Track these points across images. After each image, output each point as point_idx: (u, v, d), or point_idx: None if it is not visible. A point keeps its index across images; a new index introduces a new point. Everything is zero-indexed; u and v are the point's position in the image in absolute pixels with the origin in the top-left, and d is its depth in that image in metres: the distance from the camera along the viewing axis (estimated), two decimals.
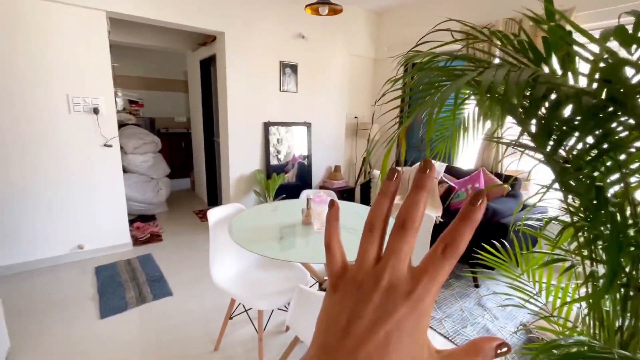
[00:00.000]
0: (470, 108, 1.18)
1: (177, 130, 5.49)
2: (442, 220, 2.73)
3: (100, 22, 2.59)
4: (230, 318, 1.81)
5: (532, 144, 0.74)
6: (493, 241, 1.37)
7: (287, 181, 3.79)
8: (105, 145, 2.76)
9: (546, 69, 0.70)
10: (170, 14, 2.82)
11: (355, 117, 4.37)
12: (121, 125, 3.91)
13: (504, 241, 1.34)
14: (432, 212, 2.84)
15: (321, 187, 4.07)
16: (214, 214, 1.78)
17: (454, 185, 3.03)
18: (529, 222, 1.36)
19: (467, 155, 3.48)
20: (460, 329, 2.05)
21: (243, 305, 2.01)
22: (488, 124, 1.13)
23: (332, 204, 0.26)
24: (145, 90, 5.43)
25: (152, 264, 2.74)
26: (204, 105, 4.17)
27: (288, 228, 1.67)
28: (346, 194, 3.99)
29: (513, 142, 0.76)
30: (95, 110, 2.66)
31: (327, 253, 0.24)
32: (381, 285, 0.20)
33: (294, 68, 3.67)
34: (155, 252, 2.98)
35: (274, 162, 3.72)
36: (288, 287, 1.65)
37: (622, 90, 0.51)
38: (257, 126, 3.56)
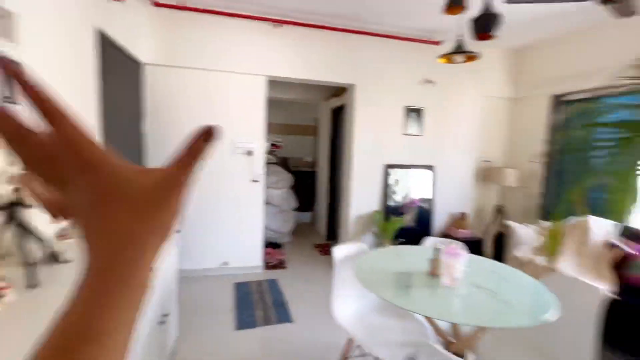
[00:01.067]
0: None
1: (304, 169, 6.17)
2: (617, 297, 2.11)
3: (261, 84, 3.28)
4: (346, 358, 1.81)
5: None
6: None
7: (404, 224, 3.68)
8: (253, 180, 3.34)
9: None
10: (311, 73, 3.34)
11: (487, 161, 3.98)
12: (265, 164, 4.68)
13: None
14: (598, 283, 2.23)
15: (444, 235, 3.77)
16: (339, 252, 1.88)
17: (632, 251, 2.33)
18: None
19: None
20: None
21: (360, 348, 1.98)
22: None
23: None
24: (283, 134, 6.40)
25: (277, 289, 3.04)
26: (331, 147, 4.59)
27: (413, 277, 1.61)
28: (472, 245, 3.56)
29: None
30: (250, 153, 3.29)
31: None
32: None
33: (418, 112, 3.69)
34: (280, 278, 3.31)
35: (389, 202, 3.70)
36: (408, 340, 1.56)
37: None
38: (378, 168, 3.67)
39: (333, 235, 4.54)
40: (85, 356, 0.19)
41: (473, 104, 3.84)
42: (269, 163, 4.86)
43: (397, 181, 3.74)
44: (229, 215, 3.32)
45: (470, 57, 1.93)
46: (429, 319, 1.59)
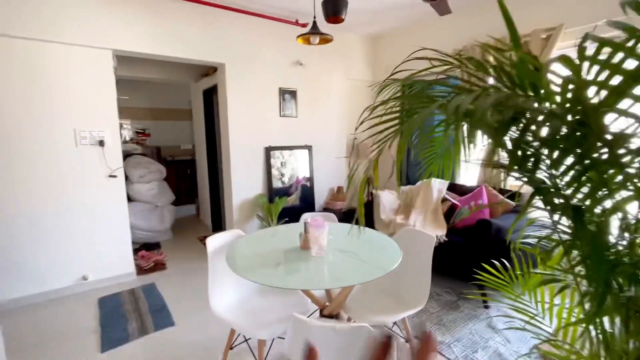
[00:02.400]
0: (458, 131, 1.19)
1: (183, 158, 5.61)
2: (446, 239, 2.69)
3: (106, 60, 2.73)
4: (231, 348, 1.77)
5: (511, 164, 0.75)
6: (493, 261, 1.34)
7: (290, 204, 3.80)
8: (110, 175, 2.83)
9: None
10: (172, 49, 2.96)
11: (355, 138, 4.42)
12: (128, 155, 4.02)
13: (504, 261, 1.31)
14: (437, 231, 2.80)
15: (324, 209, 4.06)
16: (213, 242, 1.78)
17: (457, 203, 3.00)
18: (533, 240, 1.34)
19: (470, 173, 3.47)
20: (471, 354, 1.96)
21: (243, 335, 1.97)
22: (481, 145, 1.14)
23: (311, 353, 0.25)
24: (152, 120, 5.61)
25: (155, 294, 2.73)
26: (207, 132, 4.28)
27: (286, 253, 1.66)
28: (349, 215, 3.96)
29: (493, 164, 0.77)
30: (101, 143, 2.75)
31: None
32: None
33: (293, 94, 3.77)
34: (159, 281, 2.97)
35: (278, 185, 3.75)
36: (287, 315, 1.62)
37: (584, 111, 0.52)
38: (259, 151, 3.62)
39: (219, 225, 4.33)
40: None
41: (340, 86, 4.15)
42: (133, 154, 4.21)
43: (283, 164, 3.79)
44: (81, 220, 2.74)
45: (325, 39, 2.03)
46: (304, 290, 1.68)
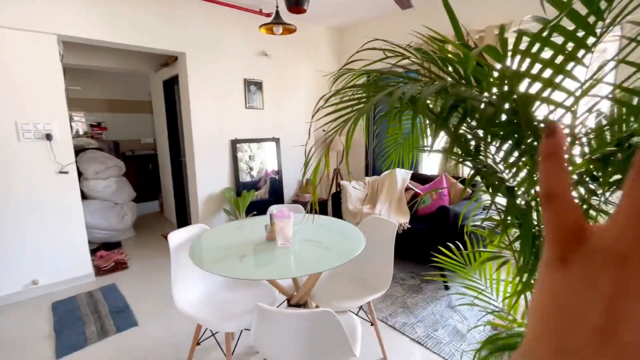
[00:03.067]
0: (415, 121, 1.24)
1: (144, 152, 5.33)
2: (409, 226, 2.81)
3: (51, 46, 2.51)
4: (198, 344, 1.75)
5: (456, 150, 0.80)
6: (448, 243, 1.42)
7: (259, 197, 3.76)
8: (60, 172, 2.63)
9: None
10: (126, 36, 2.79)
11: (324, 130, 4.44)
12: (81, 150, 3.75)
13: (458, 243, 1.40)
14: (401, 219, 2.91)
15: (293, 202, 4.07)
16: (176, 237, 1.73)
17: (419, 191, 3.13)
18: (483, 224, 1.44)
19: (432, 162, 3.62)
20: (432, 332, 2.08)
21: (210, 330, 1.95)
22: (440, 136, 1.20)
23: (552, 130, 0.18)
24: (110, 112, 5.26)
25: (116, 294, 2.60)
26: (169, 125, 4.10)
27: (252, 246, 1.66)
28: (319, 205, 4.00)
29: (436, 149, 0.81)
30: (48, 137, 2.55)
31: (551, 204, 0.17)
32: None
33: (258, 85, 3.70)
34: (120, 281, 2.84)
35: (246, 179, 3.69)
36: (255, 307, 1.62)
37: (515, 100, 0.57)
38: (224, 144, 3.54)
39: (184, 220, 4.19)
40: None
41: (307, 77, 4.14)
42: (87, 148, 3.95)
43: (251, 157, 3.72)
44: (29, 221, 2.53)
45: (288, 29, 2.01)
46: (270, 280, 1.69)
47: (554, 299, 0.15)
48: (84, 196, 3.17)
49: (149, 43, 2.91)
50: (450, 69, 0.78)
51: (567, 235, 0.16)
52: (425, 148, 0.94)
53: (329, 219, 2.05)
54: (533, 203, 0.68)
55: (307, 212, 2.08)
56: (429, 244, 2.61)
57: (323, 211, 4.14)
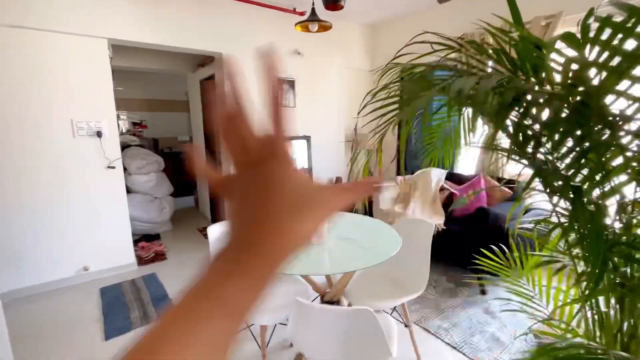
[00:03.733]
0: (459, 117, 1.20)
1: (180, 150, 5.58)
2: (444, 227, 2.72)
3: (102, 49, 2.69)
4: None
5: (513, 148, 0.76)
6: (491, 246, 1.36)
7: None
8: (108, 167, 2.82)
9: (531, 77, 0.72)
10: (168, 38, 2.92)
11: (355, 132, 4.41)
12: (125, 146, 4.00)
13: (502, 245, 1.34)
14: (435, 220, 2.83)
15: None
16: (215, 230, 1.80)
17: (455, 191, 3.02)
18: (529, 225, 1.36)
19: (467, 162, 3.48)
20: (469, 338, 2.01)
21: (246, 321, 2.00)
22: (481, 130, 1.15)
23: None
24: (149, 111, 5.56)
25: (156, 283, 2.75)
26: (205, 124, 4.26)
27: None
28: (349, 207, 3.98)
29: (495, 147, 0.77)
30: (99, 134, 2.73)
31: (232, 123, 0.25)
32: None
33: (291, 83, 3.74)
34: (159, 271, 3.00)
35: None
36: (289, 302, 1.64)
37: (586, 92, 0.53)
38: None
39: (218, 215, 4.34)
40: (204, 314, 0.20)
41: (339, 75, 4.12)
42: (130, 145, 4.19)
43: None
44: (81, 211, 2.74)
45: (324, 26, 2.01)
46: (305, 277, 1.70)
47: (239, 192, 0.24)
48: (127, 190, 3.37)
49: (189, 44, 3.04)
50: (505, 61, 0.74)
51: (238, 150, 0.25)
52: (474, 144, 0.90)
53: (365, 218, 2.03)
54: (603, 204, 0.63)
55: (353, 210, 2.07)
56: (465, 246, 2.51)
57: (350, 211, 4.11)
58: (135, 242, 3.30)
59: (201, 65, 3.98)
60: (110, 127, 2.80)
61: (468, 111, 0.91)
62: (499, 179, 2.91)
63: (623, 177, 0.74)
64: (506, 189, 2.72)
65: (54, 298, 2.55)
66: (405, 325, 1.85)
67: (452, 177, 3.27)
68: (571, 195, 0.64)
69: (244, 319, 0.22)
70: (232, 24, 3.24)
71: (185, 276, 2.91)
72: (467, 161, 3.47)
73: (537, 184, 0.87)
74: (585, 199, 0.63)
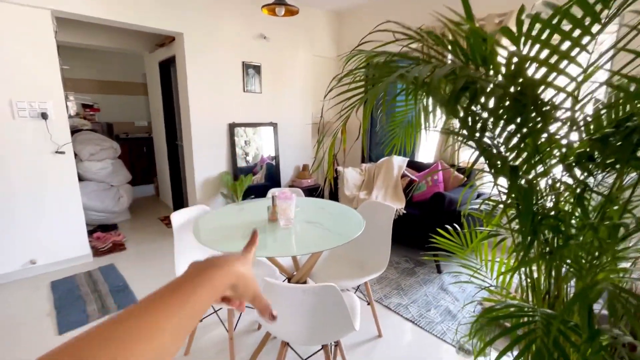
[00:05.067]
0: (417, 105, 1.27)
1: (138, 135, 5.27)
2: (405, 212, 2.87)
3: (45, 21, 2.44)
4: (200, 321, 1.80)
5: (464, 132, 0.84)
6: (447, 226, 1.48)
7: (256, 182, 3.78)
8: (57, 152, 2.61)
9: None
10: (122, 14, 2.72)
11: (322, 116, 4.44)
12: (75, 131, 3.69)
13: (455, 225, 1.46)
14: (396, 205, 2.98)
15: (290, 187, 4.10)
16: (178, 217, 1.76)
17: (415, 178, 3.19)
18: (481, 208, 1.49)
19: (427, 150, 3.67)
20: (425, 312, 2.17)
21: (212, 306, 2.00)
22: (438, 119, 1.23)
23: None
24: (101, 93, 5.15)
25: (115, 274, 2.63)
26: (165, 108, 4.05)
27: (255, 225, 1.69)
28: (315, 192, 4.05)
29: (447, 131, 0.85)
30: (44, 115, 2.51)
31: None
32: None
33: (257, 69, 3.67)
34: (118, 261, 2.86)
35: (242, 164, 3.69)
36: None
37: (523, 82, 0.60)
38: (222, 128, 3.52)
39: (181, 204, 4.20)
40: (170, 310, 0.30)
41: (305, 62, 4.10)
42: (82, 129, 3.89)
43: (247, 142, 3.71)
44: (26, 200, 2.52)
45: (290, 10, 1.99)
46: (271, 259, 1.74)
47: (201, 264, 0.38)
48: (79, 178, 3.14)
49: (147, 22, 2.85)
50: (459, 52, 0.81)
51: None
52: (432, 129, 0.97)
53: (330, 203, 2.09)
54: (534, 181, 0.73)
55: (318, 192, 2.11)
56: (423, 229, 2.68)
57: (319, 197, 4.18)
58: (90, 233, 3.11)
59: (160, 45, 3.75)
60: (57, 109, 2.58)
61: (426, 100, 0.98)
62: (454, 166, 3.11)
63: (553, 160, 0.86)
64: (459, 175, 2.93)
65: None
66: (368, 303, 1.97)
67: (413, 165, 3.44)
68: (509, 174, 0.73)
69: (193, 319, 0.32)
70: (194, 4, 3.08)
71: (147, 265, 2.81)
72: (427, 149, 3.66)
73: (484, 166, 0.97)
74: (522, 179, 0.73)
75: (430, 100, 0.93)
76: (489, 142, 0.83)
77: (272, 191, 2.23)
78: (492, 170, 0.85)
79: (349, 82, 0.78)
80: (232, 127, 3.57)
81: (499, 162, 0.78)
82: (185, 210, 1.83)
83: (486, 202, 0.99)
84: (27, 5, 2.34)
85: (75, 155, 3.38)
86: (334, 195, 3.72)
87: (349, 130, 4.29)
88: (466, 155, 3.17)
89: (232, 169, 3.63)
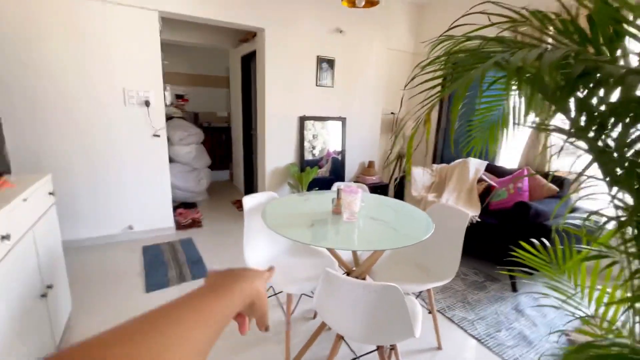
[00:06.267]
0: (511, 100, 1.12)
1: (219, 125, 5.77)
2: (479, 219, 2.62)
3: (153, 21, 2.80)
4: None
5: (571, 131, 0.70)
6: (532, 239, 1.29)
7: (321, 175, 3.84)
8: (154, 135, 2.99)
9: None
10: (214, 12, 2.98)
11: (392, 113, 4.30)
12: (168, 118, 4.20)
13: (544, 240, 1.27)
14: (470, 211, 2.73)
15: (355, 182, 4.06)
16: (249, 201, 1.87)
17: (494, 184, 2.88)
18: (576, 222, 1.27)
19: (510, 154, 3.28)
20: (494, 332, 1.96)
21: (273, 289, 2.10)
22: (530, 116, 1.07)
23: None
24: (190, 86, 5.77)
25: (192, 248, 2.94)
26: (244, 100, 4.35)
27: (319, 216, 1.71)
28: (380, 190, 3.95)
29: (553, 128, 0.72)
30: (147, 103, 2.89)
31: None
32: None
33: (330, 63, 3.69)
34: (195, 236, 3.19)
35: (308, 157, 3.78)
36: (316, 274, 1.69)
37: None
38: (293, 120, 3.64)
39: (251, 190, 4.49)
40: (190, 322, 0.29)
41: (379, 56, 3.99)
42: (174, 117, 4.39)
43: (315, 136, 3.79)
44: (129, 175, 2.96)
45: (371, 1, 1.94)
46: (331, 251, 1.74)
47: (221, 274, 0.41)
48: (169, 159, 3.57)
49: (234, 19, 3.07)
50: (574, 35, 0.68)
51: None
52: (525, 126, 0.84)
53: (396, 201, 2.00)
54: None
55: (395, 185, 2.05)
56: (500, 240, 2.41)
57: (383, 195, 4.06)
58: (175, 209, 3.52)
59: (244, 41, 4.03)
60: (157, 98, 2.95)
61: (525, 92, 0.86)
62: (546, 175, 2.72)
63: None
64: (552, 185, 2.55)
65: (103, 251, 2.81)
66: (429, 312, 1.85)
67: (492, 169, 3.11)
68: (636, 186, 0.59)
69: (217, 332, 0.31)
70: (275, 0, 3.22)
71: (219, 243, 3.07)
72: (510, 153, 3.27)
73: (590, 174, 0.80)
74: None
75: (529, 93, 0.81)
76: (602, 144, 0.69)
77: (338, 184, 2.23)
78: (607, 179, 0.71)
79: (435, 69, 0.71)
80: (302, 120, 3.67)
81: (619, 170, 0.63)
82: (256, 195, 1.93)
83: (593, 216, 0.83)
84: (138, 7, 2.71)
85: (168, 139, 3.85)
86: (399, 195, 3.58)
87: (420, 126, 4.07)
88: (561, 163, 2.75)
89: (299, 161, 3.74)
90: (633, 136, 0.63)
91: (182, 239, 3.10)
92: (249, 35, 3.77)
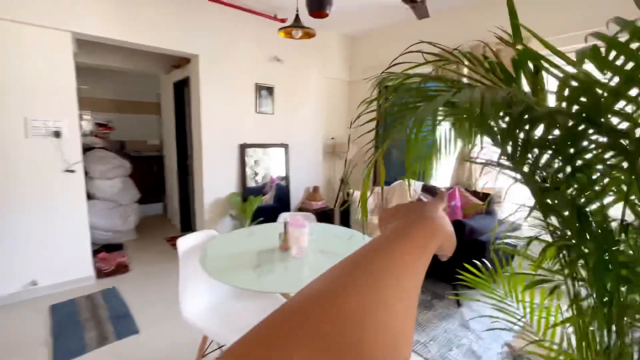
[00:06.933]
0: (442, 129, 1.18)
1: (149, 154, 5.29)
2: None
3: (65, 43, 2.49)
4: (203, 356, 1.66)
5: (508, 163, 0.74)
6: (474, 261, 1.35)
7: (265, 203, 3.69)
8: (67, 170, 2.58)
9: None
10: (141, 37, 2.77)
11: (332, 138, 4.40)
12: (87, 149, 3.71)
13: (485, 260, 1.33)
14: None
15: (300, 209, 3.99)
16: (184, 243, 1.66)
17: None
18: (507, 240, 1.36)
19: (442, 174, 3.56)
20: (446, 352, 1.99)
21: (217, 342, 1.86)
22: (460, 144, 1.14)
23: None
24: (116, 112, 5.24)
25: (116, 299, 2.52)
26: (178, 127, 4.06)
27: (265, 254, 1.59)
28: (325, 215, 3.93)
29: (490, 162, 0.75)
30: (57, 134, 2.50)
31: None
32: None
33: (270, 90, 3.67)
34: (121, 285, 2.76)
35: (251, 184, 3.63)
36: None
37: (595, 109, 0.51)
38: (233, 148, 3.49)
39: (188, 225, 4.13)
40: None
41: (317, 84, 4.11)
42: (93, 148, 3.90)
43: (256, 162, 3.67)
44: (32, 219, 2.47)
45: (308, 33, 1.97)
46: (283, 294, 1.61)
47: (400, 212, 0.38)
48: (88, 196, 3.11)
49: (164, 44, 2.89)
50: (500, 75, 0.72)
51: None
52: (472, 160, 0.87)
53: (345, 230, 1.98)
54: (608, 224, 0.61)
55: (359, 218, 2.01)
56: (439, 259, 2.52)
57: (329, 222, 4.06)
58: (95, 253, 3.03)
59: (176, 67, 3.81)
60: (71, 127, 2.58)
61: (446, 126, 0.90)
62: (474, 192, 2.98)
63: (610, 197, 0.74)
64: (480, 202, 2.79)
65: None
66: None
67: (428, 190, 3.31)
68: (568, 215, 0.62)
69: (416, 281, 0.26)
70: (210, 27, 3.13)
71: (151, 289, 2.69)
72: (442, 174, 3.54)
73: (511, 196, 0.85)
74: (591, 224, 0.61)
75: (467, 127, 0.84)
76: (535, 176, 0.73)
77: (284, 216, 2.14)
78: (541, 207, 0.74)
79: (373, 109, 0.70)
80: (243, 147, 3.53)
81: (553, 200, 0.67)
82: (192, 236, 1.74)
83: (527, 240, 0.88)
84: (48, 27, 2.39)
85: (86, 173, 3.37)
86: (345, 220, 3.60)
87: (359, 152, 4.22)
88: (487, 180, 3.04)
89: (241, 190, 3.56)
90: (556, 165, 0.67)
91: (104, 290, 2.66)
92: (181, 62, 3.59)
